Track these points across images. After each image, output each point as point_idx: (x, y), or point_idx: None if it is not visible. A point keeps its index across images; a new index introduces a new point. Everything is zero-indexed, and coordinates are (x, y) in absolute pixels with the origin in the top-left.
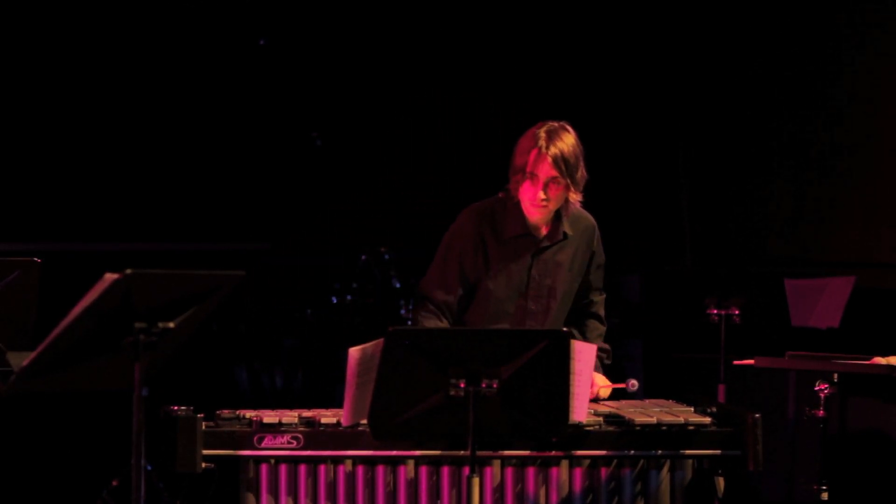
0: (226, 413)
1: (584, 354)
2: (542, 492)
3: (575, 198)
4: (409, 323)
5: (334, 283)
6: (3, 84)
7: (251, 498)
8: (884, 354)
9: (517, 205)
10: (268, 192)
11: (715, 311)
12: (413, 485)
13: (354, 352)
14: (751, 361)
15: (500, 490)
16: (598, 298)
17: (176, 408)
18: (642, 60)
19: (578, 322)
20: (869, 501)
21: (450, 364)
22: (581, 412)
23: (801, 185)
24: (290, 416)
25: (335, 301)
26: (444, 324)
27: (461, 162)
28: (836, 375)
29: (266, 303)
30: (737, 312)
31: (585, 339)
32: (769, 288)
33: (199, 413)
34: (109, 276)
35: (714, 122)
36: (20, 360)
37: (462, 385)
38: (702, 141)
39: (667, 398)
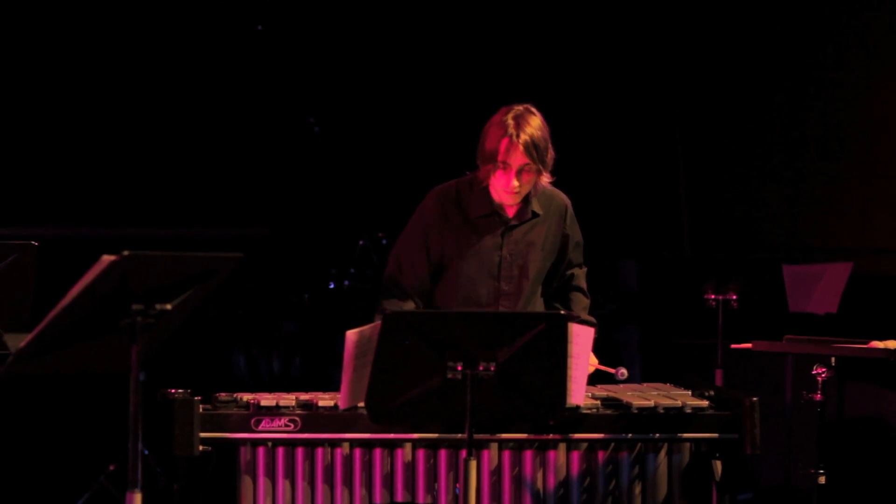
0: (223, 396)
1: (581, 337)
2: (540, 475)
3: (545, 180)
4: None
5: (332, 269)
6: None
7: (248, 481)
8: (881, 339)
9: (485, 189)
10: (266, 178)
11: (713, 297)
12: (410, 468)
13: (352, 334)
14: (749, 345)
15: (497, 473)
16: (579, 272)
17: (173, 391)
18: (640, 49)
19: (562, 296)
20: (866, 485)
21: (447, 347)
22: (579, 395)
23: (799, 171)
24: (288, 399)
25: (333, 286)
26: (409, 308)
27: (460, 147)
28: (833, 359)
29: (264, 288)
30: (734, 297)
31: (570, 311)
32: (767, 273)
33: (197, 396)
34: (107, 258)
35: (712, 108)
36: (18, 341)
37: (459, 368)
38: (699, 127)
39: (664, 383)
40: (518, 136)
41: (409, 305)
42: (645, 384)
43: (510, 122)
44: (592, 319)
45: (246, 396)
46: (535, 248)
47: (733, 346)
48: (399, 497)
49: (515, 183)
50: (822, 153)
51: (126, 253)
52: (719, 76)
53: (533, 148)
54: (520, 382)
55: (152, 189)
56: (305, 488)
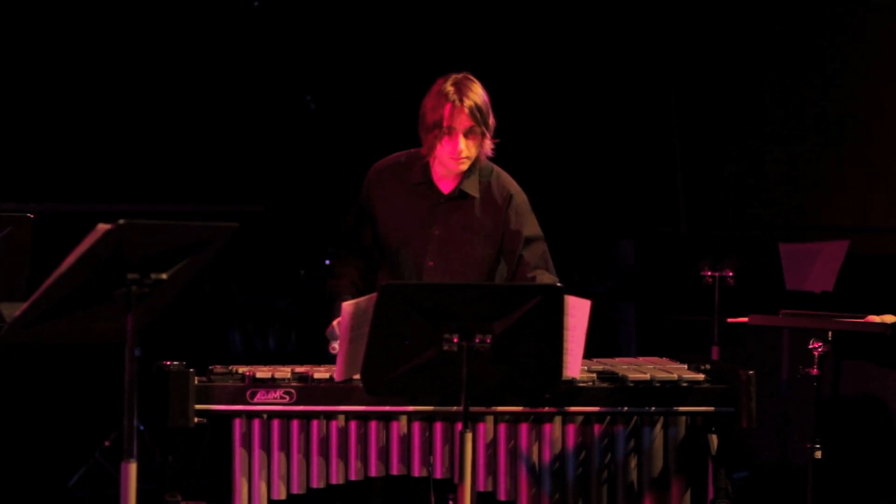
0: (218, 368)
1: (577, 310)
2: (535, 448)
3: (488, 145)
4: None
5: (327, 246)
6: None
7: (243, 453)
8: (877, 315)
9: (426, 163)
10: (262, 155)
11: (709, 274)
12: (406, 440)
13: (348, 306)
14: (745, 319)
15: (493, 446)
16: (544, 276)
17: (168, 363)
18: (636, 29)
19: None
20: (861, 461)
21: (443, 319)
22: (574, 368)
23: (797, 149)
24: (283, 372)
25: (329, 263)
26: (359, 280)
27: None
28: (830, 334)
29: (259, 264)
30: (731, 274)
31: None
32: (763, 251)
33: (191, 369)
34: (102, 227)
35: (709, 86)
36: (13, 311)
37: (455, 340)
38: (696, 104)
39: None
40: (461, 100)
41: (360, 264)
42: (641, 358)
43: (450, 88)
44: None
45: (241, 369)
46: (467, 230)
47: (730, 319)
48: (394, 470)
49: (462, 147)
50: (820, 131)
51: (121, 221)
52: (717, 54)
53: (477, 111)
54: (516, 355)
55: (149, 166)
56: (301, 461)
